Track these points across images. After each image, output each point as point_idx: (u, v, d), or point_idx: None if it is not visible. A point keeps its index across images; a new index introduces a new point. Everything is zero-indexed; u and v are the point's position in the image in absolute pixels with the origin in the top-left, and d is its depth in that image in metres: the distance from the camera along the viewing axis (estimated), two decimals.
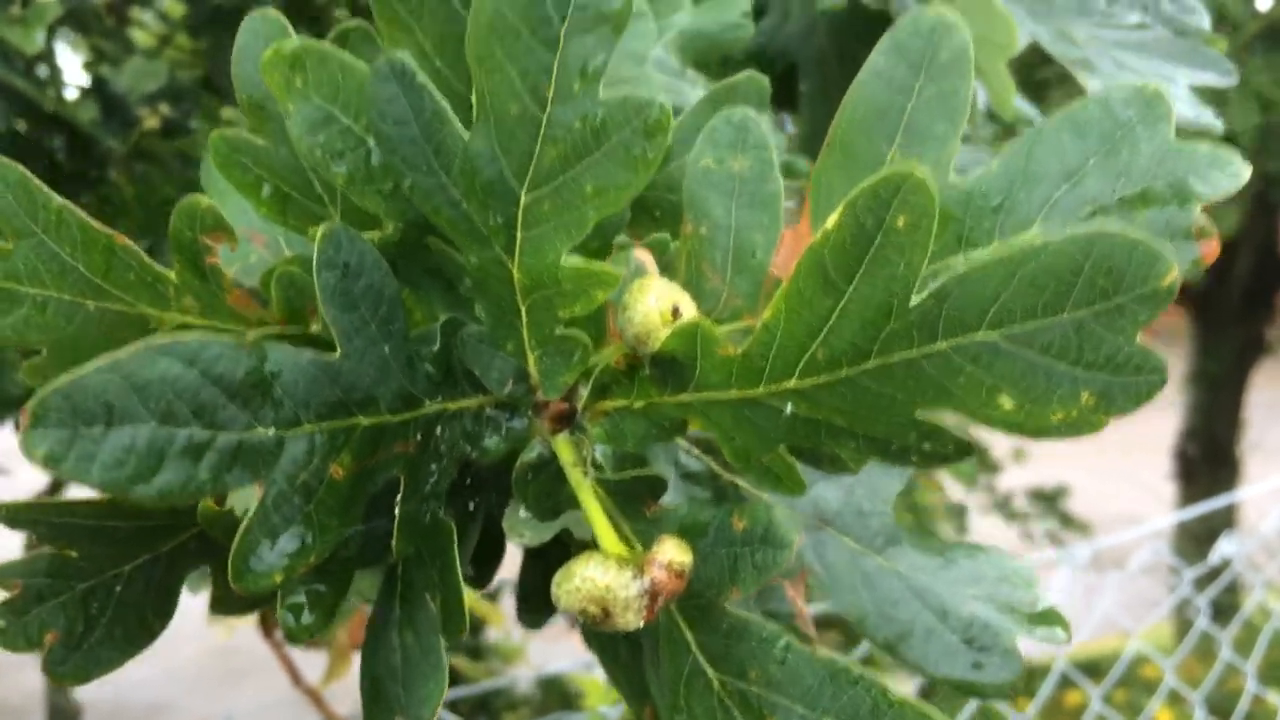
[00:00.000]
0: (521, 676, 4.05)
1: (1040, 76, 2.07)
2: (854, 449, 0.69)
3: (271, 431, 0.63)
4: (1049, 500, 6.83)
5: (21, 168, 0.80)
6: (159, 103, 2.77)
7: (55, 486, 3.50)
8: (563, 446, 0.73)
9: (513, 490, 0.75)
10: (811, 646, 0.67)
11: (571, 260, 0.66)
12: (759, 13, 1.49)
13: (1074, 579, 3.63)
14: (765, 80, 0.98)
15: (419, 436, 0.72)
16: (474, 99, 0.64)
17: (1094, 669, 4.95)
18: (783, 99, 1.58)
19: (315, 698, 2.89)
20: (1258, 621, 4.77)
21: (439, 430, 0.73)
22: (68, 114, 2.63)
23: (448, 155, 0.65)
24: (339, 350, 0.67)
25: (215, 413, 0.60)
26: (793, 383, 0.65)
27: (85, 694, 3.65)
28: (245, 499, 0.76)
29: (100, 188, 2.63)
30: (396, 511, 0.71)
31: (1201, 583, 4.40)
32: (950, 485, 5.69)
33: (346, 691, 3.26)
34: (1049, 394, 0.59)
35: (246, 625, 2.95)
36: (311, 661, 3.31)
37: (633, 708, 0.93)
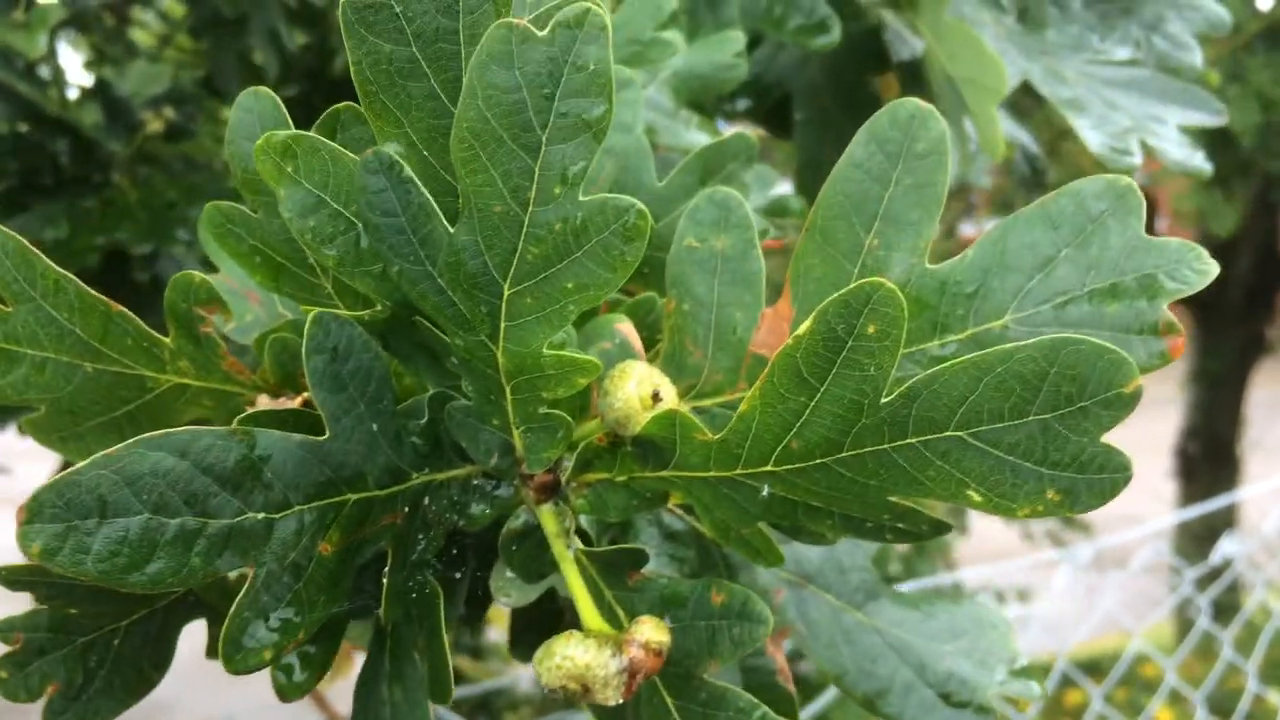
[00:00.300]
0: (522, 676, 4.09)
1: (1034, 94, 2.07)
2: (830, 525, 0.71)
3: (261, 515, 0.65)
4: None
5: (20, 238, 0.82)
6: (162, 106, 2.78)
7: None
8: (547, 517, 0.75)
9: (499, 554, 0.77)
10: (787, 717, 0.69)
11: (554, 350, 0.68)
12: (754, 43, 1.50)
13: (1075, 578, 3.66)
14: (753, 139, 1.00)
15: (406, 509, 0.74)
16: (460, 195, 0.66)
17: (1094, 668, 4.99)
18: (777, 128, 1.59)
19: (317, 698, 2.93)
20: (1258, 621, 4.80)
21: (426, 501, 0.75)
22: (71, 117, 2.64)
23: (434, 246, 0.67)
24: (327, 432, 0.69)
25: (207, 501, 0.63)
26: (769, 467, 0.67)
27: None
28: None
29: (104, 191, 2.65)
30: (384, 582, 0.73)
31: (1203, 582, 4.42)
32: None
33: (347, 689, 3.30)
34: (1016, 490, 0.61)
35: None
36: None
37: None
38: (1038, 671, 0.88)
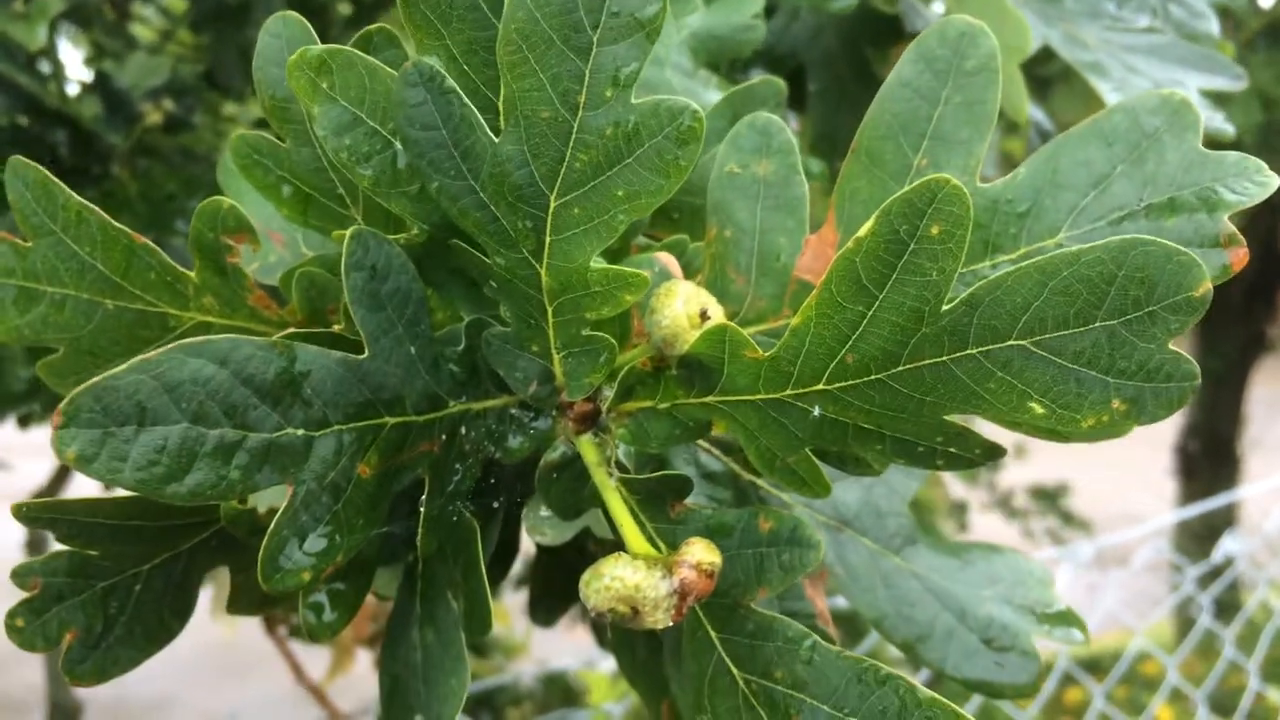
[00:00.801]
0: (525, 672, 4.05)
1: (1042, 74, 2.07)
2: (880, 451, 0.69)
3: (300, 432, 0.63)
4: (1050, 498, 6.84)
5: (40, 168, 0.80)
6: (162, 98, 2.76)
7: (57, 480, 3.50)
8: (587, 447, 0.73)
9: (536, 489, 0.75)
10: (837, 646, 0.67)
11: (600, 264, 0.66)
12: (767, 14, 1.49)
13: (1076, 576, 3.65)
14: (782, 83, 0.98)
15: (444, 436, 0.72)
16: (501, 104, 0.64)
17: (1095, 666, 4.97)
18: (791, 99, 1.58)
19: (318, 694, 2.89)
20: (1259, 619, 4.79)
21: (463, 430, 0.73)
22: (70, 110, 2.62)
23: (476, 160, 0.65)
24: (366, 351, 0.67)
25: (246, 413, 0.60)
26: (821, 386, 0.65)
27: (86, 689, 3.65)
28: (268, 498, 0.77)
29: (103, 183, 2.62)
30: (422, 510, 0.71)
31: (1203, 580, 4.42)
32: (951, 482, 5.70)
33: (349, 685, 3.27)
34: (1080, 401, 0.60)
35: (249, 621, 2.95)
36: (313, 657, 3.31)
37: (649, 705, 0.94)
38: (1078, 618, 0.86)
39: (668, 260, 0.76)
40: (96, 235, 0.80)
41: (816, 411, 0.67)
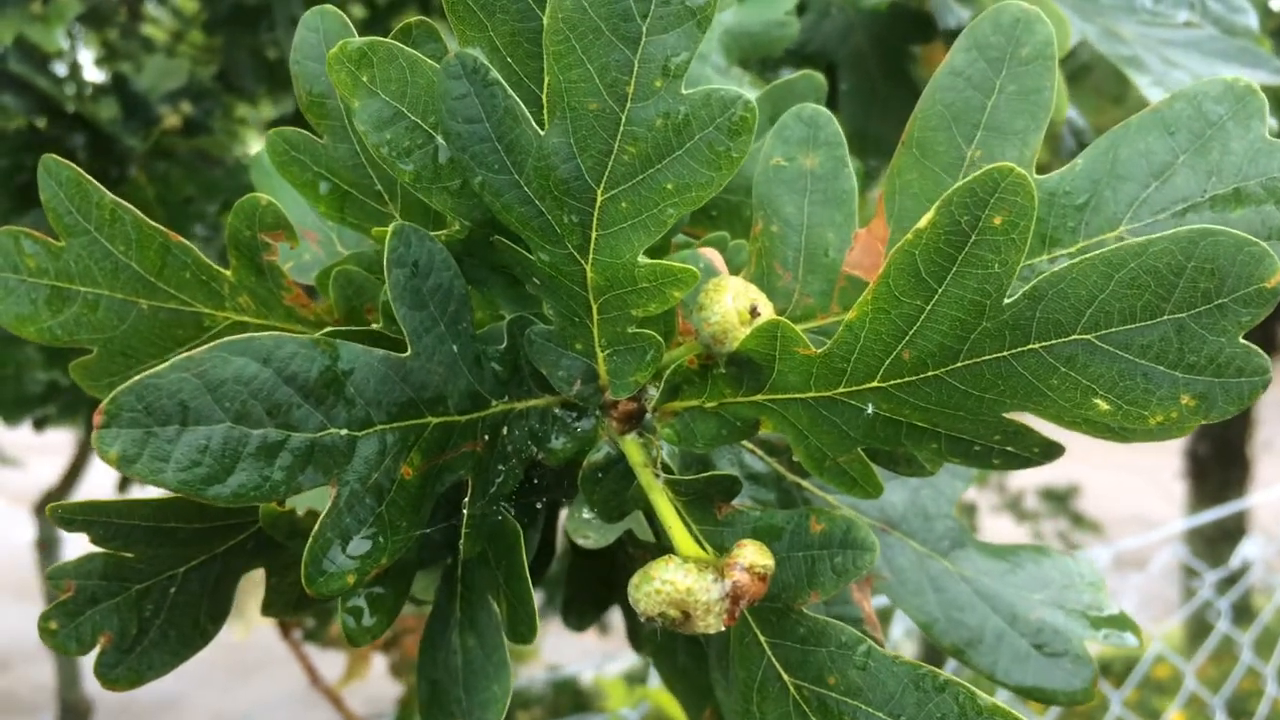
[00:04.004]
0: (536, 678, 4.03)
1: (1066, 69, 2.05)
2: (935, 450, 0.67)
3: (344, 432, 0.61)
4: (1060, 500, 6.79)
5: (74, 166, 0.79)
6: (180, 101, 2.75)
7: (68, 480, 3.50)
8: (631, 447, 0.72)
9: (579, 490, 0.73)
10: (893, 652, 0.65)
11: (647, 259, 0.65)
12: (798, 11, 1.47)
13: None
14: (822, 79, 0.97)
15: (486, 436, 0.70)
16: (546, 96, 0.63)
17: (1106, 669, 4.92)
18: None
19: (334, 698, 2.88)
20: (1275, 625, 4.74)
21: (506, 430, 0.72)
22: (88, 113, 2.62)
23: (521, 153, 0.64)
24: (409, 349, 0.65)
25: (289, 413, 0.59)
26: (875, 383, 0.64)
27: (94, 687, 3.65)
28: (307, 500, 0.75)
29: (120, 186, 2.61)
30: (465, 512, 0.69)
31: (1220, 586, 4.38)
32: None
33: (359, 685, 3.26)
34: (1148, 397, 0.58)
35: (260, 621, 2.94)
36: (327, 661, 3.30)
37: (690, 712, 0.92)
38: (1131, 622, 0.84)
39: (713, 256, 0.74)
40: (131, 234, 0.79)
41: (870, 410, 0.65)
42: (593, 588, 1.08)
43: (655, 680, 3.43)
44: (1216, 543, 5.63)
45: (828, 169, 0.74)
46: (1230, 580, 4.40)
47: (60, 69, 2.88)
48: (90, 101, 2.66)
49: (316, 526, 0.61)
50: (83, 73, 2.86)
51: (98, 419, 0.54)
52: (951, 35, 1.52)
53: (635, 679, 3.66)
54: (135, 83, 2.73)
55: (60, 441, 3.71)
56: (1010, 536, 6.13)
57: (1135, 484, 8.68)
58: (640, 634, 1.16)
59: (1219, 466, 6.91)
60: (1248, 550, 4.23)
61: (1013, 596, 0.84)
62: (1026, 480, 6.66)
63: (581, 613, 1.11)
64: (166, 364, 0.55)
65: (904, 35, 1.53)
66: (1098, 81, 2.08)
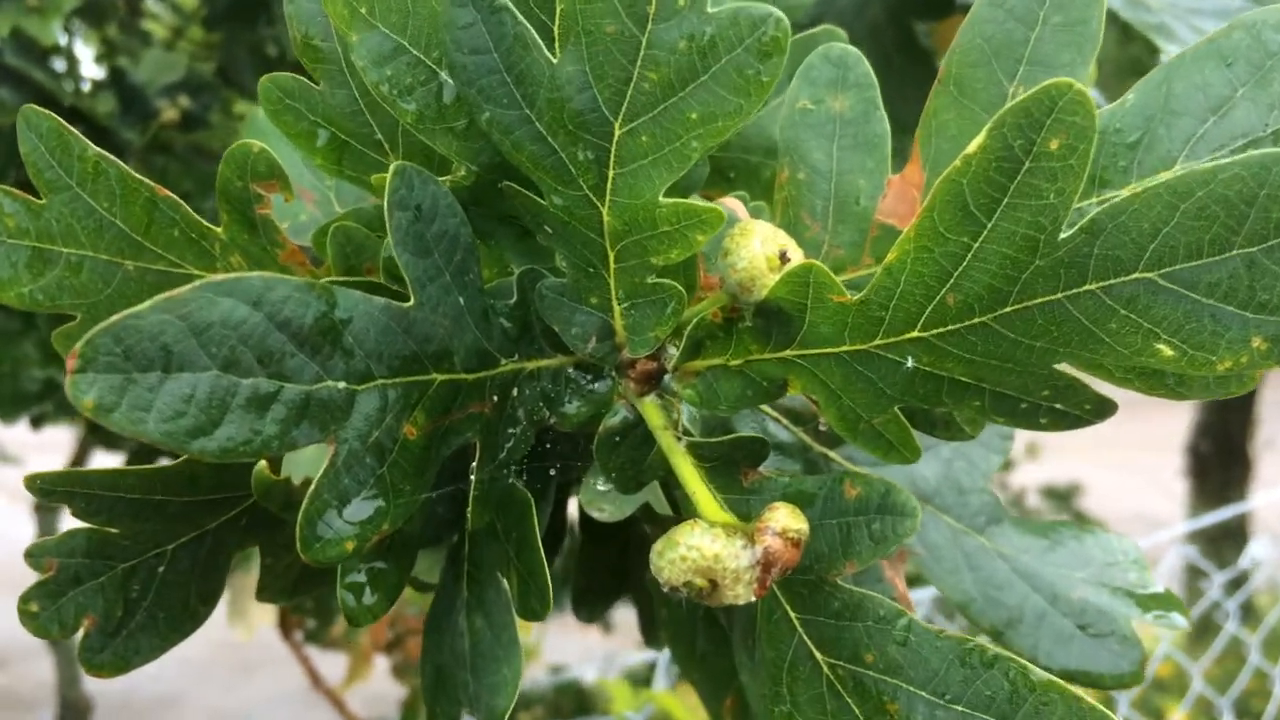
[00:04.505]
0: (538, 680, 3.98)
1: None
2: (978, 408, 0.62)
3: (342, 385, 0.56)
4: (1062, 497, 6.74)
5: (55, 116, 0.75)
6: (178, 95, 2.71)
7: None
8: (650, 409, 0.67)
9: (594, 458, 0.69)
10: (936, 626, 0.60)
11: (669, 200, 0.60)
12: None
13: None
14: (842, 32, 0.92)
15: (495, 397, 0.66)
16: (558, 21, 0.58)
17: None
18: None
19: (335, 700, 2.82)
20: None
21: (515, 392, 0.67)
22: (86, 107, 2.58)
23: (531, 85, 0.59)
24: (412, 299, 0.60)
25: (282, 361, 0.54)
26: (915, 333, 0.59)
27: (94, 685, 3.59)
28: (303, 468, 0.70)
29: None
30: (472, 478, 0.64)
31: (1227, 587, 4.32)
32: None
33: (360, 686, 3.21)
34: (1215, 340, 0.53)
35: (262, 619, 2.89)
36: (328, 662, 3.25)
37: (709, 702, 0.87)
38: (1177, 600, 0.79)
39: (734, 204, 0.70)
40: (116, 189, 0.74)
41: (909, 363, 0.60)
42: (602, 578, 1.04)
43: (660, 683, 3.38)
44: (1219, 541, 5.57)
45: (858, 112, 0.69)
46: (1237, 581, 4.35)
47: (58, 64, 2.84)
48: (88, 96, 2.62)
49: (312, 487, 0.56)
50: (80, 67, 2.82)
51: (71, 362, 0.49)
52: (968, 9, 1.48)
53: (638, 680, 3.61)
54: (133, 76, 2.69)
55: (59, 439, 3.67)
56: None
57: (1136, 482, 8.63)
58: (653, 627, 1.11)
59: (1221, 465, 6.86)
60: (1256, 550, 4.17)
61: (1053, 575, 0.79)
62: (1028, 479, 6.61)
63: (592, 603, 1.06)
64: (147, 304, 0.50)
65: (920, 10, 1.49)
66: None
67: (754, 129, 0.89)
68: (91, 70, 3.05)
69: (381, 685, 3.30)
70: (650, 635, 1.11)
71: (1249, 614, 4.73)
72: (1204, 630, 4.63)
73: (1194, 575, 4.89)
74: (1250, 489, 6.70)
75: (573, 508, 0.91)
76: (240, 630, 2.65)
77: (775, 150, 0.90)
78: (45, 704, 4.37)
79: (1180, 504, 7.02)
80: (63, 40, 2.80)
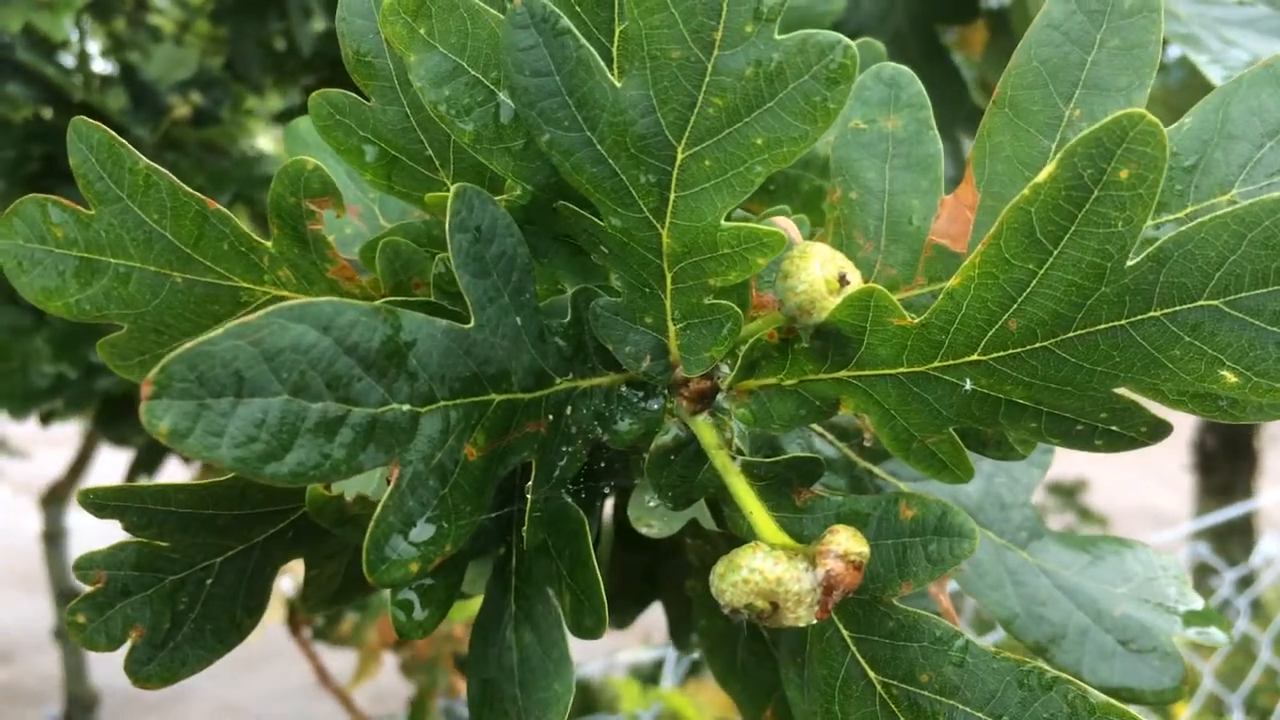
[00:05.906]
0: None
1: None
2: (1033, 429, 0.62)
3: (406, 407, 0.57)
4: (1067, 493, 6.75)
5: (106, 129, 0.75)
6: (189, 91, 2.70)
7: (74, 471, 3.44)
8: (704, 428, 0.67)
9: (646, 475, 0.69)
10: (993, 647, 0.60)
11: (729, 222, 0.60)
12: None
13: None
14: (881, 46, 0.92)
15: (550, 416, 0.66)
16: (618, 47, 0.58)
17: None
18: None
19: (342, 696, 2.83)
20: None
21: (569, 410, 0.67)
22: (96, 103, 2.57)
23: (594, 108, 0.59)
24: (472, 320, 0.60)
25: (350, 386, 0.54)
26: (975, 356, 0.59)
27: (101, 678, 3.59)
28: (355, 484, 0.71)
29: None
30: (529, 498, 0.65)
31: (1238, 584, 4.33)
32: None
33: (366, 682, 3.21)
34: (1279, 367, 0.53)
35: (268, 615, 2.89)
36: (335, 659, 3.25)
37: (747, 711, 0.88)
38: (1219, 616, 0.79)
39: (787, 225, 0.70)
40: (166, 202, 0.74)
41: (967, 386, 0.61)
42: (634, 582, 1.04)
43: (668, 681, 3.38)
44: (1225, 538, 5.58)
45: (910, 131, 0.70)
46: (1248, 579, 4.36)
47: (68, 60, 2.84)
48: (98, 92, 2.61)
49: (378, 510, 0.56)
50: (90, 63, 2.82)
51: (146, 389, 0.49)
52: (992, 15, 1.48)
53: (643, 677, 3.62)
54: (144, 72, 2.68)
55: (67, 433, 3.67)
56: None
57: (1141, 477, 8.64)
58: (684, 631, 1.11)
59: (1226, 459, 6.87)
60: (1267, 547, 4.18)
61: (1095, 590, 0.79)
62: None
63: (623, 609, 1.06)
64: (220, 330, 0.51)
65: (944, 16, 1.49)
66: None
67: None
68: (98, 65, 3.04)
69: (389, 682, 3.30)
70: (681, 640, 1.12)
71: (1259, 611, 4.74)
72: None
73: (1203, 573, 4.90)
74: (1256, 483, 6.71)
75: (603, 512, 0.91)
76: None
77: (814, 163, 0.91)
78: (52, 697, 4.38)
79: (1186, 498, 7.02)
80: (73, 36, 2.79)
